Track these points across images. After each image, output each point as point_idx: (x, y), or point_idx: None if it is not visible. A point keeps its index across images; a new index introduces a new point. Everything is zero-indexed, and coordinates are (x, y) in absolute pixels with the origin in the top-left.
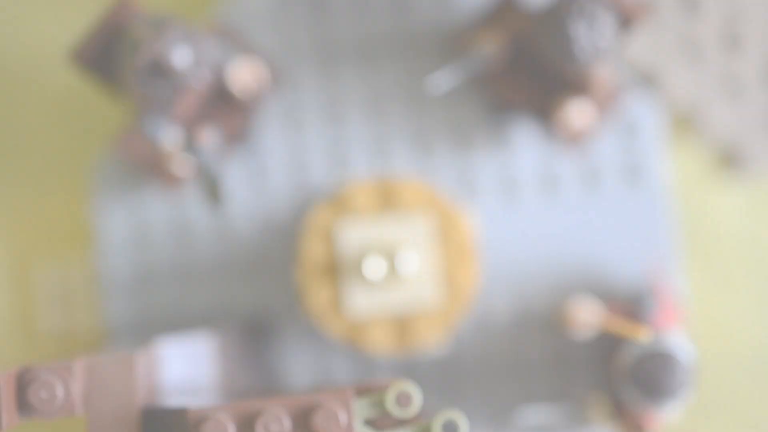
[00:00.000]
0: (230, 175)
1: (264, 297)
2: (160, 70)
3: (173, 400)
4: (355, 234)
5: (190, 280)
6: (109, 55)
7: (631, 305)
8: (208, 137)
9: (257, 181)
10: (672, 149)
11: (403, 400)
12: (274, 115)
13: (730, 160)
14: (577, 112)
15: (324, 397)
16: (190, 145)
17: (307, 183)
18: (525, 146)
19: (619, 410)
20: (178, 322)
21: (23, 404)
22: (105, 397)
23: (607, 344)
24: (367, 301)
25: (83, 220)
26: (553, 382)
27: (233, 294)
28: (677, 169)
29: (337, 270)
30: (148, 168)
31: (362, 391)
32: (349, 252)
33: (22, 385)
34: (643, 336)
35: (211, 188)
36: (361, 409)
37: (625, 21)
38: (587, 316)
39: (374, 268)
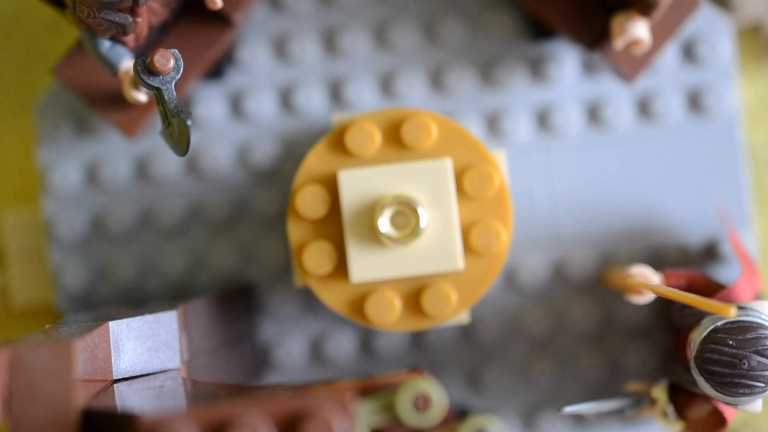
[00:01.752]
0: (207, 110)
1: (248, 257)
2: None
3: (125, 399)
4: (363, 181)
5: (155, 236)
6: None
7: (700, 270)
8: (175, 62)
9: (240, 118)
10: (742, 75)
11: (420, 403)
12: (260, 45)
13: None
14: (641, 32)
15: (317, 400)
16: (150, 72)
17: (300, 122)
18: (565, 75)
19: (684, 402)
20: (139, 290)
21: None
22: (33, 399)
23: (673, 315)
24: (376, 264)
25: (28, 166)
26: (598, 363)
27: (209, 254)
28: (745, 99)
29: (340, 225)
30: (101, 99)
31: (366, 389)
32: (355, 203)
33: None
34: (729, 311)
35: (175, 127)
36: (364, 416)
37: None
38: (647, 278)
39: (388, 223)
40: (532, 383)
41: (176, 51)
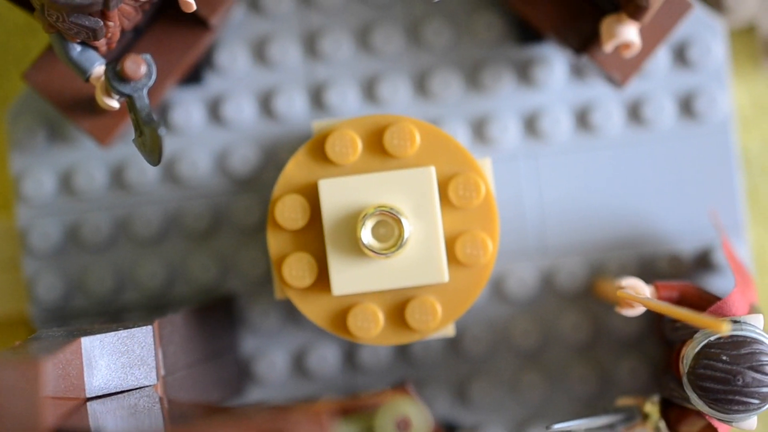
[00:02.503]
0: (184, 115)
1: (228, 268)
2: None
3: (98, 418)
4: (344, 190)
5: (131, 246)
6: None
7: (692, 281)
8: (147, 68)
9: (219, 124)
10: (736, 78)
11: (402, 426)
12: (239, 48)
13: None
14: (632, 35)
15: (294, 423)
16: (120, 78)
17: (281, 127)
18: (554, 79)
19: (677, 418)
20: (115, 302)
21: None
22: None
23: (664, 328)
24: (358, 276)
25: (2, 173)
26: (588, 376)
27: (187, 264)
28: (738, 103)
29: (321, 236)
30: (74, 105)
31: (347, 410)
32: (336, 214)
33: None
34: (723, 327)
35: (147, 136)
36: None
37: None
38: (637, 290)
39: (370, 234)
40: (521, 397)
41: (148, 56)
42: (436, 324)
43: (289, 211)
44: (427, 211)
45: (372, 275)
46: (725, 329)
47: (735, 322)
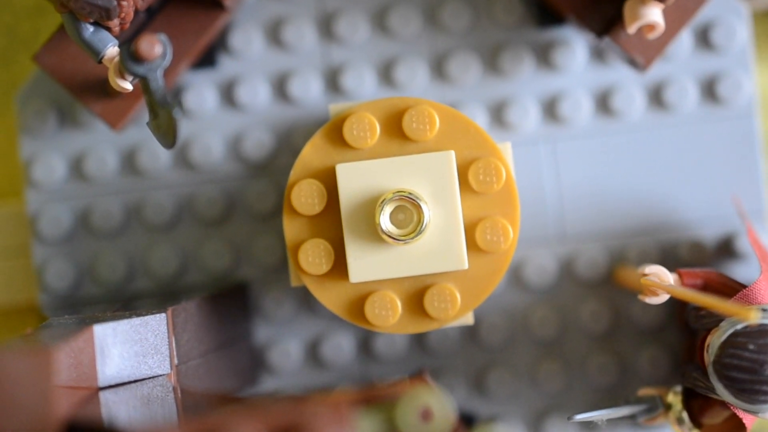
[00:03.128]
0: (197, 99)
1: (241, 255)
2: None
3: (111, 408)
4: (362, 175)
5: (143, 232)
6: None
7: (716, 269)
8: (162, 49)
9: (233, 108)
10: (758, 61)
11: (424, 415)
12: (254, 30)
13: None
14: (656, 16)
15: (313, 414)
16: (135, 59)
17: (296, 111)
18: (574, 62)
19: (700, 408)
20: (127, 290)
21: None
22: (10, 410)
23: (688, 317)
24: (376, 263)
25: (12, 157)
26: (608, 366)
27: (200, 251)
28: (761, 87)
29: (338, 222)
30: (85, 87)
31: (366, 400)
32: (354, 199)
33: None
34: (751, 315)
35: (162, 118)
36: (364, 429)
37: None
38: (661, 278)
39: (388, 219)
40: (539, 387)
41: (163, 36)
42: (455, 312)
43: (305, 196)
44: (447, 196)
45: (390, 262)
46: (753, 317)
47: (763, 310)
